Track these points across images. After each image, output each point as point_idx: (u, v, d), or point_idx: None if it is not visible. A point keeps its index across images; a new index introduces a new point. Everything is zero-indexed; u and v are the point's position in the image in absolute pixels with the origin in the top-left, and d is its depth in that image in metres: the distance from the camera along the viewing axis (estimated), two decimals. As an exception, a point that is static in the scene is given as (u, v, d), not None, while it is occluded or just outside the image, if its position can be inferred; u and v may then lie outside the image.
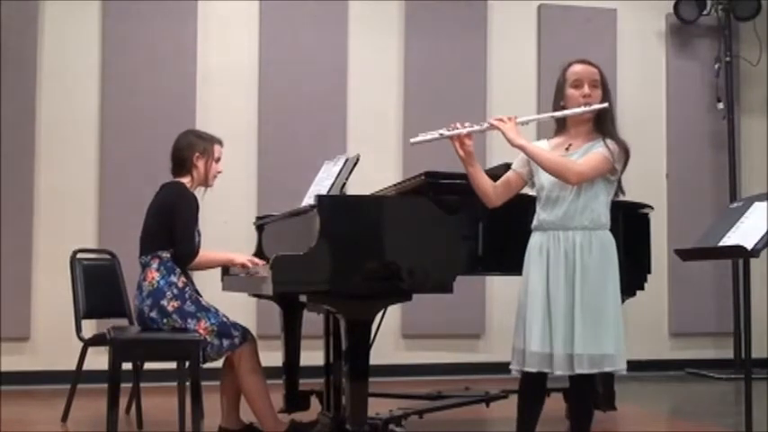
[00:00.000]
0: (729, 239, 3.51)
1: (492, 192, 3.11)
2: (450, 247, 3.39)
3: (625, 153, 3.02)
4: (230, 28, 6.37)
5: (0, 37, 5.89)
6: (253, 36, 6.37)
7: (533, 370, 2.94)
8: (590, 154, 2.98)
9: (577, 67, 3.07)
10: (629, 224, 4.10)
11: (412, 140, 3.09)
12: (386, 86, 6.57)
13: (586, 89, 3.02)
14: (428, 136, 3.06)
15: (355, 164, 3.84)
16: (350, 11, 6.54)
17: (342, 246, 3.27)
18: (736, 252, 3.50)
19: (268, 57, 6.36)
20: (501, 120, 3.02)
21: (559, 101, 3.08)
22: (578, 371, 2.89)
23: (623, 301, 4.19)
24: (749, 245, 3.37)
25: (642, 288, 4.18)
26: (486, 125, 3.04)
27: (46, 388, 5.56)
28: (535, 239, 3.05)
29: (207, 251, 3.92)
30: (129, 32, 6.14)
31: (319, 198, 3.33)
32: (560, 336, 2.90)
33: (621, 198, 3.18)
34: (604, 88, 3.05)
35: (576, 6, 6.88)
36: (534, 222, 3.08)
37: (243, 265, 3.90)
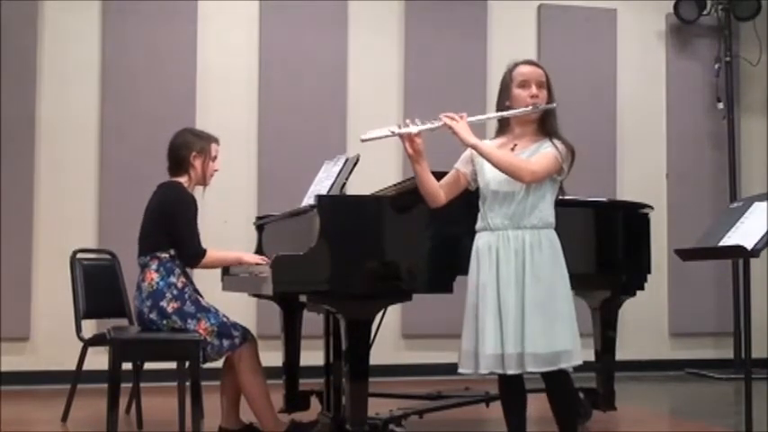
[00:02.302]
0: (729, 239, 3.51)
1: (440, 191, 3.12)
2: (450, 247, 3.39)
3: (572, 154, 3.03)
4: (230, 28, 6.38)
5: (0, 37, 5.90)
6: (253, 36, 6.37)
7: (485, 372, 2.96)
8: (540, 153, 3.00)
9: (524, 68, 3.10)
10: (629, 224, 4.11)
11: (362, 137, 3.08)
12: (386, 86, 6.57)
13: (534, 89, 3.04)
14: (379, 133, 3.07)
15: (355, 164, 3.84)
16: (350, 11, 6.55)
17: (342, 246, 3.27)
18: (736, 252, 3.49)
19: (268, 57, 6.36)
20: (452, 118, 3.03)
21: (505, 101, 3.09)
22: (530, 369, 2.90)
23: (623, 301, 4.24)
24: (749, 245, 3.37)
25: (642, 288, 4.18)
26: (437, 123, 3.04)
27: (46, 388, 5.57)
28: (483, 240, 3.03)
29: (215, 250, 3.88)
30: (129, 32, 6.14)
31: (319, 198, 3.34)
32: (511, 335, 2.90)
33: (562, 197, 3.17)
34: (549, 89, 3.08)
35: (575, 6, 6.88)
36: (479, 223, 3.07)
37: (256, 264, 3.85)
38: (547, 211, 3.02)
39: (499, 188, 3.01)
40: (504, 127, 3.14)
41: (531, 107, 3.02)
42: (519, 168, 2.94)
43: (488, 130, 3.20)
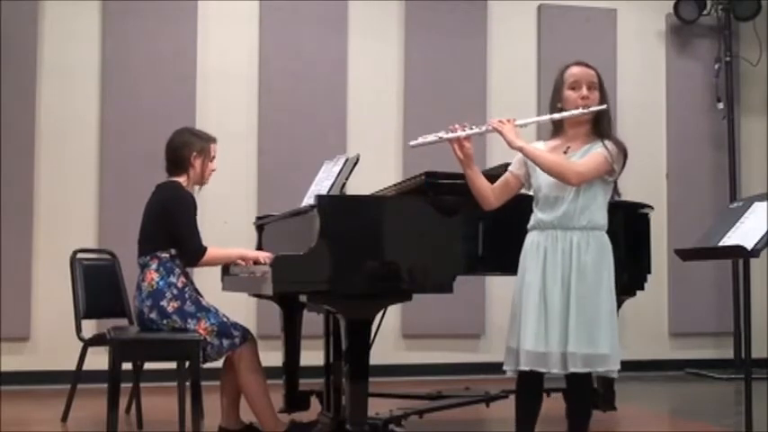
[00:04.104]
0: (729, 239, 3.51)
1: (491, 194, 3.12)
2: (450, 248, 3.39)
3: (623, 155, 3.03)
4: (230, 28, 6.37)
5: (0, 37, 5.90)
6: (253, 36, 6.37)
7: (527, 369, 2.95)
8: (589, 155, 2.99)
9: (575, 69, 3.08)
10: (629, 224, 4.10)
11: (411, 143, 3.10)
12: (386, 86, 6.57)
13: (584, 91, 3.03)
14: (428, 138, 3.08)
15: (355, 164, 3.84)
16: (350, 11, 6.55)
17: (342, 246, 3.27)
18: (736, 252, 3.50)
19: (268, 57, 6.36)
20: (501, 122, 3.03)
21: (556, 102, 3.09)
22: (572, 370, 2.90)
23: (623, 301, 4.23)
24: (749, 245, 3.37)
25: (642, 288, 4.17)
26: (485, 128, 3.05)
27: (46, 388, 5.57)
28: (532, 238, 3.05)
29: (216, 248, 3.86)
30: (129, 32, 6.14)
31: (319, 198, 3.33)
32: (555, 334, 2.90)
33: (617, 199, 3.18)
34: (602, 90, 3.06)
35: (576, 6, 6.89)
36: (531, 222, 3.08)
37: (256, 259, 3.80)
38: (597, 213, 3.00)
39: (550, 190, 3.01)
40: (558, 129, 3.13)
41: (581, 109, 3.01)
42: (565, 170, 2.94)
43: (535, 133, 3.19)
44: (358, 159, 3.85)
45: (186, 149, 3.90)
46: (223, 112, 6.22)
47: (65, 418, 4.41)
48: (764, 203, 3.50)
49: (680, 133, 7.02)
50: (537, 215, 3.06)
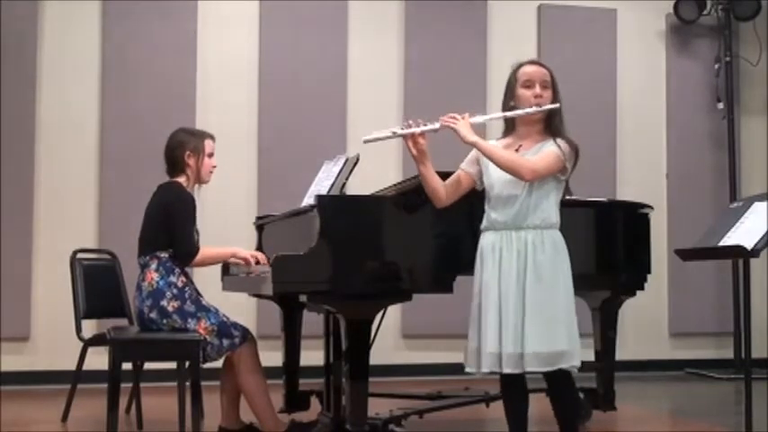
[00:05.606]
0: (729, 239, 3.51)
1: (442, 192, 3.12)
2: (450, 247, 3.39)
3: (575, 153, 3.03)
4: (230, 28, 6.38)
5: (0, 37, 5.90)
6: (253, 36, 6.37)
7: (486, 370, 2.97)
8: (543, 152, 3.00)
9: (529, 68, 3.10)
10: (629, 224, 4.11)
11: (364, 139, 3.10)
12: (386, 86, 6.57)
13: (538, 89, 3.04)
14: (382, 134, 3.08)
15: (355, 164, 3.84)
16: (350, 11, 6.55)
17: (342, 246, 3.27)
18: (736, 252, 3.50)
19: (268, 57, 6.36)
20: (453, 118, 3.04)
21: (509, 101, 3.09)
22: (528, 369, 2.90)
23: (623, 301, 4.24)
24: (749, 245, 3.37)
25: (642, 288, 4.18)
26: (438, 124, 3.05)
27: (46, 388, 5.57)
28: (487, 239, 3.05)
29: (208, 247, 3.89)
30: (129, 32, 6.14)
31: (319, 198, 3.34)
32: (510, 335, 2.91)
33: (568, 197, 3.18)
34: (555, 89, 3.07)
35: (576, 6, 6.88)
36: (484, 223, 3.08)
37: (246, 260, 3.87)
38: (550, 211, 3.01)
39: (503, 188, 3.01)
40: (509, 128, 3.14)
41: (534, 107, 3.02)
42: (520, 166, 2.94)
43: (491, 132, 3.19)
44: (358, 159, 3.85)
45: (179, 150, 3.90)
46: (223, 112, 6.22)
47: (65, 418, 4.41)
48: (764, 203, 3.50)
49: (680, 133, 7.02)
50: (490, 215, 3.05)
